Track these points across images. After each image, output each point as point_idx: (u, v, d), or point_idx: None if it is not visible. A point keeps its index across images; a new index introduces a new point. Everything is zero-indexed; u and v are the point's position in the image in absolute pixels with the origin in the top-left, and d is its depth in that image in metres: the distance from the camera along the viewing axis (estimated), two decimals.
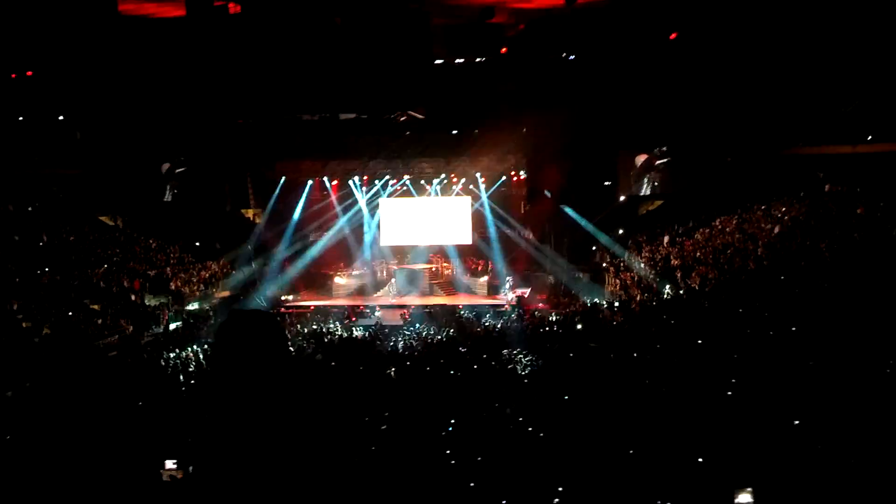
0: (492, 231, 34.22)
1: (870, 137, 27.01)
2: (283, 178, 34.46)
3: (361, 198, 35.29)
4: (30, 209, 30.87)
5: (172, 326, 25.99)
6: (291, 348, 19.24)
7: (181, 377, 15.43)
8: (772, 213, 26.07)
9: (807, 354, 13.04)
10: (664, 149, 30.74)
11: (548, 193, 31.59)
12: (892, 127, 26.23)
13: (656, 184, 30.95)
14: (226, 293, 31.61)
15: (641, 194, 31.43)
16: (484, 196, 34.30)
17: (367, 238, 35.57)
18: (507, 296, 30.93)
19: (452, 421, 10.40)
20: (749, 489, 6.99)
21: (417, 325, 25.40)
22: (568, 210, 31.74)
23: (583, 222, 31.48)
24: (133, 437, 9.53)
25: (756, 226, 25.60)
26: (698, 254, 25.64)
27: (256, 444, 3.29)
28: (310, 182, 34.90)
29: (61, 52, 24.31)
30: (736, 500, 6.99)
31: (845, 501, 7.47)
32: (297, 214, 35.05)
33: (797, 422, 9.22)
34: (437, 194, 35.06)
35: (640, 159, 30.81)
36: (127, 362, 18.26)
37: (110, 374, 16.37)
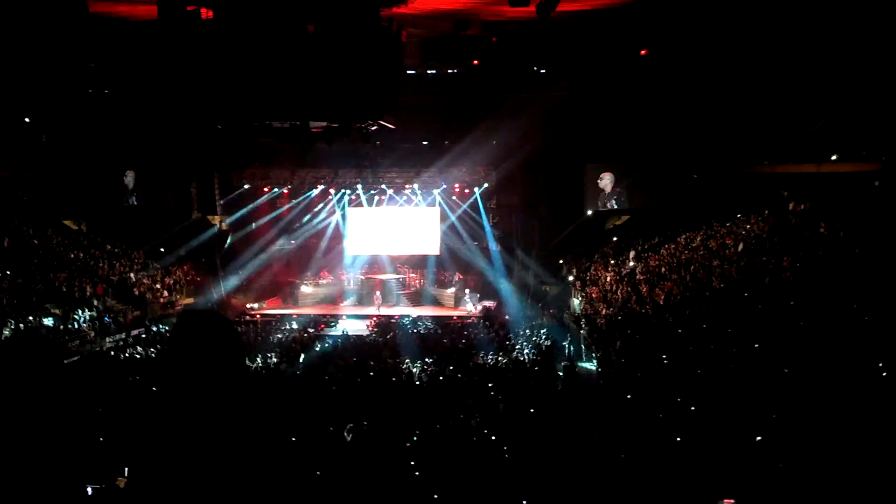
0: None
1: (834, 157, 27.45)
2: (251, 185, 34.29)
3: (329, 207, 35.22)
4: None
5: (135, 332, 25.70)
6: (258, 358, 19.12)
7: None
8: (736, 229, 26.38)
9: (770, 369, 13.20)
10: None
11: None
12: (854, 147, 26.69)
13: (622, 199, 31.17)
14: (190, 300, 31.33)
15: (608, 208, 31.62)
16: (449, 211, 34.37)
17: (335, 247, 35.49)
18: (468, 307, 31.00)
19: (416, 433, 10.38)
20: (731, 501, 7.06)
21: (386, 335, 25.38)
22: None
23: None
24: (80, 448, 9.38)
25: (720, 242, 25.87)
26: (663, 269, 25.86)
27: (210, 450, 3.24)
28: (277, 189, 34.76)
29: (28, 53, 23.96)
30: None
31: None
32: (263, 221, 34.91)
33: (760, 437, 9.32)
34: (405, 204, 35.08)
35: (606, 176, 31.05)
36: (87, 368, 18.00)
37: (69, 380, 16.10)
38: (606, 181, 30.91)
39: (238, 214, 34.65)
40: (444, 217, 34.62)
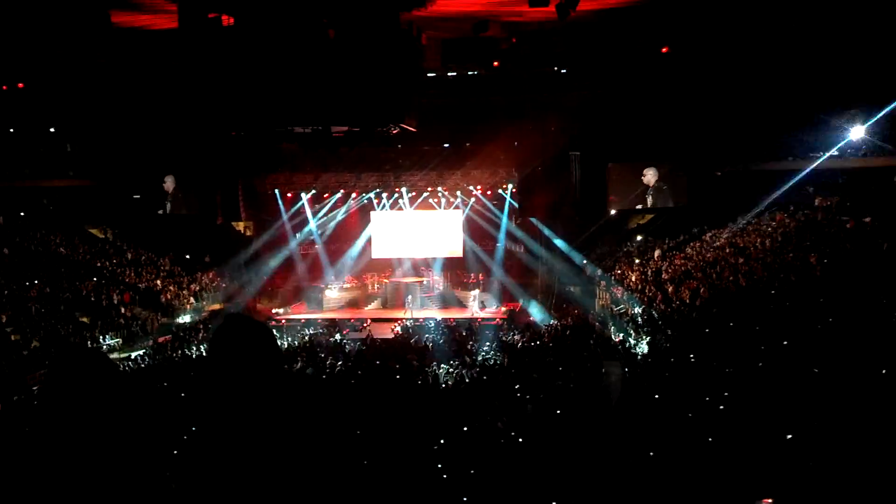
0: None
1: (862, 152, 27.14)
2: (275, 191, 34.46)
3: (356, 210, 35.34)
4: (20, 221, 30.75)
5: (162, 340, 25.89)
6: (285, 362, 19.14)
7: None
8: (762, 226, 26.17)
9: (799, 367, 13.06)
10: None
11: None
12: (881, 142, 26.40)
13: (663, 195, 30.77)
14: (216, 306, 31.51)
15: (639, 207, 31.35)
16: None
17: (359, 250, 35.59)
18: (474, 309, 30.90)
19: (443, 436, 10.36)
20: (769, 501, 6.99)
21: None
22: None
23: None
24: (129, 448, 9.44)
25: (746, 239, 25.68)
26: (689, 267, 25.70)
27: (247, 455, 3.25)
28: (301, 194, 34.90)
29: (53, 64, 24.26)
30: None
31: None
32: (288, 227, 35.05)
33: (791, 435, 9.21)
34: (428, 207, 35.11)
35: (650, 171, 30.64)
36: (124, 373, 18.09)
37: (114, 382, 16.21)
38: (650, 176, 30.57)
39: (262, 220, 34.84)
40: (466, 219, 34.60)
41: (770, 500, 7.05)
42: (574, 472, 8.64)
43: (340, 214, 35.58)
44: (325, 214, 35.46)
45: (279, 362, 3.21)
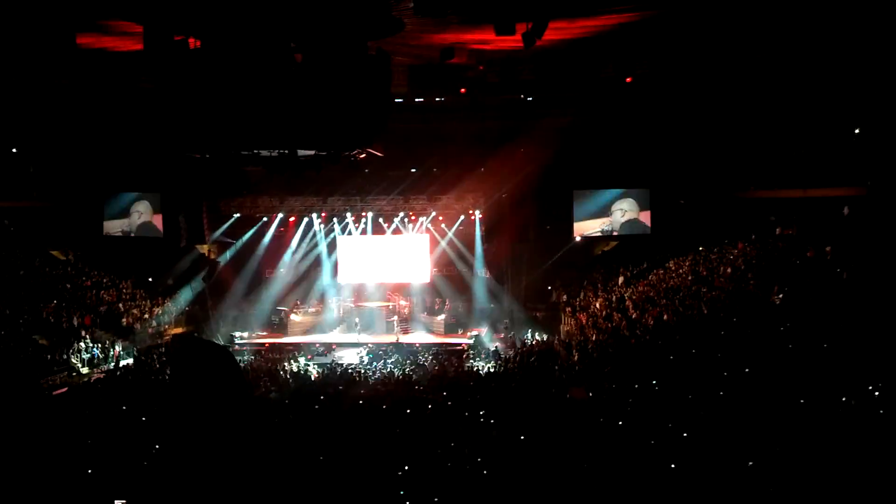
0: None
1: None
2: (240, 214, 34.25)
3: (318, 235, 35.20)
4: None
5: (123, 363, 25.54)
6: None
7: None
8: (724, 255, 26.48)
9: (760, 394, 13.21)
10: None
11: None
12: (839, 172, 26.91)
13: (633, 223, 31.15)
14: (178, 329, 31.18)
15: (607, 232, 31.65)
16: (448, 234, 34.45)
17: (324, 275, 35.44)
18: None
19: (407, 462, 10.30)
20: None
21: (375, 364, 25.34)
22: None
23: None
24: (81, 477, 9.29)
25: (709, 268, 25.96)
26: (653, 294, 25.91)
27: (210, 478, 3.21)
28: (265, 218, 34.70)
29: (17, 84, 24.01)
30: None
31: None
32: (251, 250, 34.83)
33: (751, 462, 9.30)
34: (395, 231, 35.10)
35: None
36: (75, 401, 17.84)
37: (56, 413, 16.00)
38: (626, 207, 30.92)
39: (225, 242, 34.62)
40: (433, 244, 34.62)
41: None
42: (539, 498, 8.63)
43: (307, 238, 35.38)
44: (291, 238, 35.24)
45: (239, 384, 3.20)
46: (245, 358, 27.01)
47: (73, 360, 24.57)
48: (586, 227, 31.59)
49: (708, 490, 8.65)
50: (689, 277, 25.89)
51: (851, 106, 24.93)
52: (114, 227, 32.78)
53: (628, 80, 23.43)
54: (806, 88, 23.86)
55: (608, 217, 31.27)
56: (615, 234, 31.42)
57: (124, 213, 32.73)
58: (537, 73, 22.88)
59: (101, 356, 25.81)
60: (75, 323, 26.88)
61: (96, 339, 26.68)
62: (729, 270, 24.83)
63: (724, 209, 28.81)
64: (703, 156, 28.29)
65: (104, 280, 31.56)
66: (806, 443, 10.05)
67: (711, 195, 29.41)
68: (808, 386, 13.09)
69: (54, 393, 20.85)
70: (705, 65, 22.63)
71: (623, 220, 31.11)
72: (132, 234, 32.64)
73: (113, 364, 25.49)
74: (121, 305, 30.10)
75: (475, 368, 24.66)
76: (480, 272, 34.34)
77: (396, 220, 34.69)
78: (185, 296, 32.84)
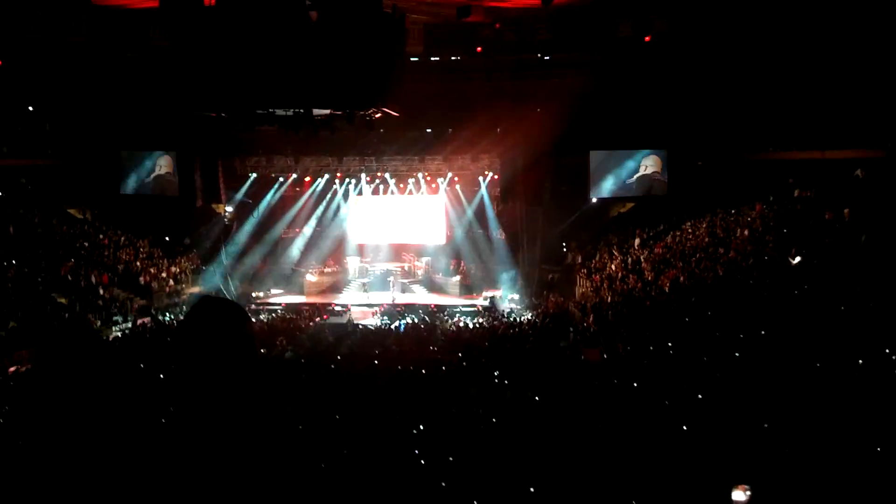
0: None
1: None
2: (255, 173, 34.23)
3: (334, 195, 35.18)
4: None
5: (140, 321, 25.73)
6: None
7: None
8: (741, 217, 26.28)
9: (776, 357, 13.17)
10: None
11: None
12: (859, 133, 26.57)
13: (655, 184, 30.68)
14: (195, 289, 31.36)
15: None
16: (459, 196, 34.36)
17: (340, 235, 35.47)
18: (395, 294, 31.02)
19: (422, 422, 10.36)
20: (745, 486, 7.05)
21: (390, 324, 25.44)
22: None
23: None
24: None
25: (725, 230, 25.80)
26: (668, 256, 25.81)
27: (224, 441, 3.21)
28: (282, 178, 34.69)
29: (32, 42, 23.97)
30: (732, 498, 7.06)
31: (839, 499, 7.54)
32: (267, 210, 34.88)
33: (769, 422, 9.29)
34: (410, 192, 35.02)
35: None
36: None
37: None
38: (649, 161, 30.49)
39: (242, 202, 34.65)
40: (448, 205, 34.52)
41: (746, 486, 7.10)
42: (552, 458, 8.66)
43: (322, 198, 35.36)
44: (306, 198, 35.23)
45: (251, 343, 3.18)
46: (261, 317, 27.17)
47: (91, 318, 24.75)
48: (605, 187, 31.16)
49: (721, 451, 8.65)
50: (706, 239, 25.75)
51: (871, 66, 24.49)
52: (132, 182, 32.66)
53: (647, 39, 23.12)
54: (825, 48, 23.46)
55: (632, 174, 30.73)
56: (634, 187, 30.76)
57: (145, 166, 32.62)
58: (554, 32, 22.63)
59: (118, 314, 25.99)
60: (93, 281, 27.04)
61: (114, 298, 26.86)
62: (746, 233, 24.67)
63: (742, 171, 28.49)
64: (720, 117, 27.94)
65: (121, 239, 31.71)
66: (821, 405, 10.02)
67: (729, 157, 29.07)
68: (824, 349, 13.04)
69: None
70: (723, 24, 22.29)
71: (645, 173, 30.55)
72: (150, 189, 32.51)
73: (130, 322, 25.68)
74: (138, 264, 30.26)
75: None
76: (495, 234, 34.25)
77: (411, 180, 34.58)
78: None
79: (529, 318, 25.52)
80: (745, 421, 9.52)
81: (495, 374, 14.02)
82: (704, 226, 27.09)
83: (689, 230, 27.50)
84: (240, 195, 34.20)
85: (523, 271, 32.30)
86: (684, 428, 9.51)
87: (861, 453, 8.15)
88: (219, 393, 3.13)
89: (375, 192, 35.14)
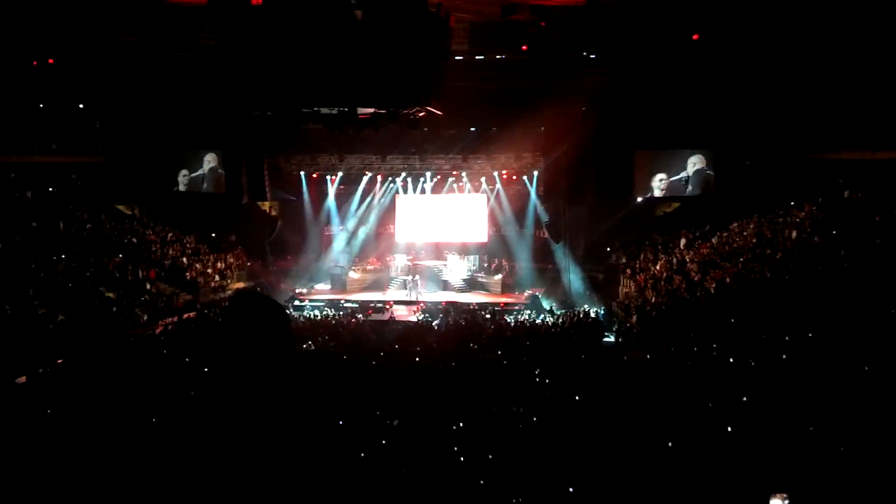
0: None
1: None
2: (300, 171, 34.54)
3: (378, 193, 35.40)
4: (48, 196, 31.03)
5: (186, 316, 26.09)
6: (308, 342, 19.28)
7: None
8: (790, 218, 25.87)
9: (824, 360, 12.94)
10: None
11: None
12: None
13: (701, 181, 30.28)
14: (241, 284, 31.74)
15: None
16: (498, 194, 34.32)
17: (383, 233, 35.69)
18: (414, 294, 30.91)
19: (462, 419, 10.36)
20: (783, 495, 6.94)
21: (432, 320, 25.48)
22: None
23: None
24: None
25: (774, 230, 25.41)
26: (715, 257, 25.50)
27: (260, 436, 3.25)
28: (327, 176, 34.97)
29: (83, 40, 24.41)
30: None
31: None
32: (311, 207, 35.19)
33: (813, 428, 9.13)
34: (452, 190, 35.08)
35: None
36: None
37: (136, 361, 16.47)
38: (696, 161, 30.12)
39: (287, 199, 35.01)
40: (491, 204, 34.52)
41: (784, 495, 6.99)
42: (591, 459, 8.61)
43: (367, 196, 35.57)
44: (351, 196, 35.47)
45: (289, 337, 3.22)
46: (305, 313, 27.41)
47: (138, 312, 25.16)
48: (652, 187, 30.77)
49: (762, 457, 8.52)
50: (753, 240, 25.39)
51: None
52: (180, 179, 33.12)
53: (695, 37, 22.85)
54: (876, 46, 22.97)
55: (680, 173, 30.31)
56: (688, 185, 30.29)
57: (193, 164, 33.06)
58: (599, 30, 22.46)
59: (165, 309, 26.39)
60: (140, 276, 27.50)
61: (161, 292, 27.29)
62: (794, 234, 24.27)
63: (790, 171, 28.04)
64: (768, 116, 27.52)
65: (169, 235, 32.22)
66: (868, 412, 9.83)
67: (777, 156, 28.62)
68: (873, 353, 12.79)
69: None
70: (773, 22, 21.94)
71: (696, 169, 30.09)
72: (197, 186, 32.96)
73: (177, 316, 26.05)
74: (184, 260, 30.71)
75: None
76: (538, 233, 34.14)
77: (454, 179, 34.63)
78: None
79: (572, 317, 25.35)
80: (787, 426, 9.38)
81: (536, 372, 13.98)
82: (752, 226, 26.72)
83: (736, 231, 27.14)
84: (287, 194, 34.57)
85: (566, 270, 32.13)
86: (727, 431, 9.40)
87: None
88: (259, 386, 3.16)
89: (418, 190, 35.24)
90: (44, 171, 31.75)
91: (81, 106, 31.19)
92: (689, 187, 30.18)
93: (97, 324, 21.89)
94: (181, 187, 32.97)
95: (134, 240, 30.50)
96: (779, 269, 22.01)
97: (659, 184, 30.52)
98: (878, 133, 26.33)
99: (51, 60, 26.76)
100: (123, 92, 29.10)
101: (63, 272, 25.29)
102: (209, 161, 32.73)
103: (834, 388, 11.03)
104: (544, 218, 33.22)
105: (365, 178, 35.00)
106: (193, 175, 32.90)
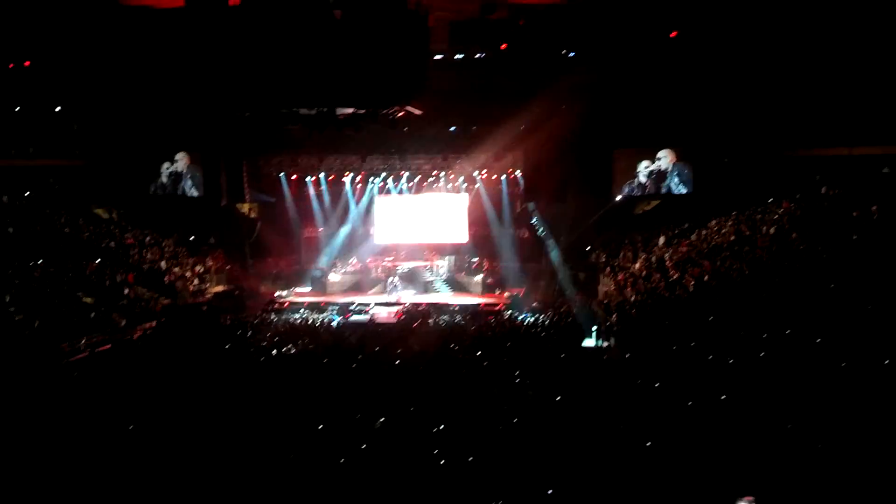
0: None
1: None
2: (280, 173, 34.40)
3: (358, 194, 35.33)
4: (25, 200, 30.73)
5: (164, 321, 25.91)
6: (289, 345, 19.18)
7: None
8: (768, 215, 26.02)
9: (803, 357, 13.01)
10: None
11: None
12: (886, 130, 26.22)
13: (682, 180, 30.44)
14: (220, 287, 31.57)
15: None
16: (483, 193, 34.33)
17: (363, 235, 35.59)
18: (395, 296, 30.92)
19: (442, 421, 10.33)
20: (750, 498, 6.95)
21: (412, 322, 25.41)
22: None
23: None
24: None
25: (751, 227, 25.55)
26: (693, 255, 25.61)
27: (236, 442, 3.22)
28: (307, 177, 34.85)
29: (60, 42, 24.20)
30: None
31: None
32: (290, 209, 35.07)
33: (790, 426, 9.17)
34: (432, 190, 35.06)
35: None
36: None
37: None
38: (664, 159, 30.22)
39: (266, 201, 34.88)
40: (471, 204, 34.51)
41: (751, 498, 7.00)
42: (571, 460, 8.61)
43: (346, 197, 35.50)
44: (331, 197, 35.39)
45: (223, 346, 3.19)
46: (284, 316, 27.26)
47: (116, 317, 24.94)
48: (628, 185, 30.87)
49: (745, 452, 8.55)
50: (732, 237, 25.52)
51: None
52: (158, 181, 32.83)
53: (673, 34, 22.94)
54: (852, 43, 23.16)
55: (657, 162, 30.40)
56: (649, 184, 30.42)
57: (171, 166, 32.77)
58: (579, 28, 22.49)
59: (143, 314, 26.18)
60: (118, 280, 27.27)
61: (139, 297, 27.07)
62: (773, 230, 24.41)
63: (768, 168, 28.24)
64: (746, 114, 27.70)
65: (147, 238, 31.98)
66: (849, 407, 9.88)
67: (755, 154, 28.82)
68: (851, 349, 12.86)
69: (98, 350, 21.24)
70: (751, 20, 22.07)
71: (657, 168, 30.25)
72: (175, 189, 32.68)
73: (155, 322, 25.86)
74: (163, 264, 30.49)
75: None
76: (519, 232, 34.19)
77: (434, 179, 34.62)
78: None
79: (552, 317, 25.36)
80: (768, 422, 9.41)
81: (517, 373, 13.97)
82: (730, 224, 26.84)
83: (715, 228, 27.27)
84: (267, 195, 34.43)
85: (546, 270, 32.18)
86: (708, 428, 9.42)
87: (886, 467, 8.00)
88: (226, 393, 3.12)
89: (399, 191, 35.20)
90: (21, 174, 31.46)
91: (58, 109, 30.90)
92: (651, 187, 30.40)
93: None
94: (155, 190, 32.66)
95: (112, 244, 30.25)
96: (757, 266, 22.12)
97: (644, 171, 30.64)
98: (855, 129, 26.57)
99: (27, 63, 26.50)
100: (101, 95, 28.85)
101: (40, 277, 25.04)
102: (186, 165, 32.47)
103: (812, 386, 11.09)
104: (523, 218, 33.28)
105: (345, 179, 34.91)
106: (171, 179, 32.63)
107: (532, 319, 25.32)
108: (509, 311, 27.81)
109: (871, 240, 20.41)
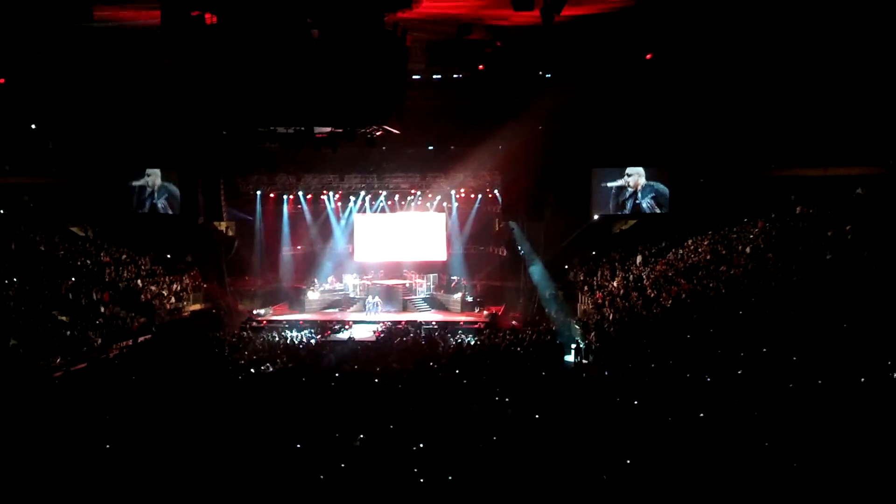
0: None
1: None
2: (257, 191, 34.28)
3: (336, 213, 35.28)
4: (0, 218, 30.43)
5: (141, 339, 25.70)
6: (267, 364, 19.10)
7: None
8: (744, 234, 26.24)
9: (778, 374, 13.11)
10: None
11: None
12: (860, 151, 26.55)
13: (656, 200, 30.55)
14: (197, 306, 31.36)
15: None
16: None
17: (341, 253, 35.54)
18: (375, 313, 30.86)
19: (422, 439, 10.30)
20: None
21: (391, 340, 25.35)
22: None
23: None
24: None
25: (727, 246, 25.75)
26: (671, 273, 25.75)
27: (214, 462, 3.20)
28: (285, 196, 34.77)
29: (34, 60, 24.01)
30: None
31: None
32: (268, 228, 34.93)
33: (767, 444, 9.23)
34: (411, 210, 35.10)
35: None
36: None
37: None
38: (636, 177, 30.30)
39: (243, 220, 34.71)
40: (449, 222, 34.58)
41: None
42: (549, 477, 8.60)
43: (324, 216, 35.45)
44: (308, 216, 35.32)
45: (214, 364, 3.19)
46: (262, 335, 27.12)
47: (92, 336, 24.70)
48: (605, 204, 30.92)
49: (722, 469, 8.59)
50: (708, 256, 25.70)
51: (873, 83, 24.49)
52: (134, 200, 32.48)
53: (648, 56, 23.13)
54: (827, 65, 23.47)
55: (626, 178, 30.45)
56: (638, 193, 30.45)
57: (147, 184, 32.44)
58: (555, 50, 22.62)
59: (119, 333, 25.94)
60: (94, 299, 27.02)
61: (115, 315, 26.83)
62: (748, 249, 24.62)
63: (744, 188, 28.50)
64: (723, 134, 27.95)
65: (123, 256, 31.71)
66: (824, 423, 9.95)
67: (731, 173, 29.07)
68: (827, 366, 12.98)
69: (73, 369, 21.01)
70: (725, 42, 22.30)
71: (627, 185, 30.35)
72: (152, 206, 32.33)
73: (131, 341, 25.62)
74: (139, 282, 30.25)
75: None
76: (497, 251, 34.26)
77: (412, 198, 34.67)
78: None
79: (531, 335, 25.39)
80: (746, 439, 9.46)
81: (496, 391, 13.96)
82: (706, 243, 27.04)
83: (691, 247, 27.45)
84: (244, 214, 34.27)
85: (525, 288, 32.24)
86: (686, 445, 9.46)
87: (863, 473, 8.08)
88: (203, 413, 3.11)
89: (378, 210, 35.21)
90: None
91: (34, 126, 30.63)
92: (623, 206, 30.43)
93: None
94: (131, 208, 32.26)
95: (88, 262, 29.97)
96: (733, 285, 22.29)
97: (611, 203, 30.70)
98: (829, 150, 26.86)
99: (1, 80, 26.27)
100: (76, 112, 28.64)
101: (15, 296, 24.76)
102: (163, 183, 32.15)
103: (788, 404, 11.17)
104: (502, 236, 33.37)
105: (323, 198, 34.87)
106: (148, 197, 32.30)
107: (510, 337, 25.34)
108: (488, 330, 27.75)
109: (845, 259, 20.65)
